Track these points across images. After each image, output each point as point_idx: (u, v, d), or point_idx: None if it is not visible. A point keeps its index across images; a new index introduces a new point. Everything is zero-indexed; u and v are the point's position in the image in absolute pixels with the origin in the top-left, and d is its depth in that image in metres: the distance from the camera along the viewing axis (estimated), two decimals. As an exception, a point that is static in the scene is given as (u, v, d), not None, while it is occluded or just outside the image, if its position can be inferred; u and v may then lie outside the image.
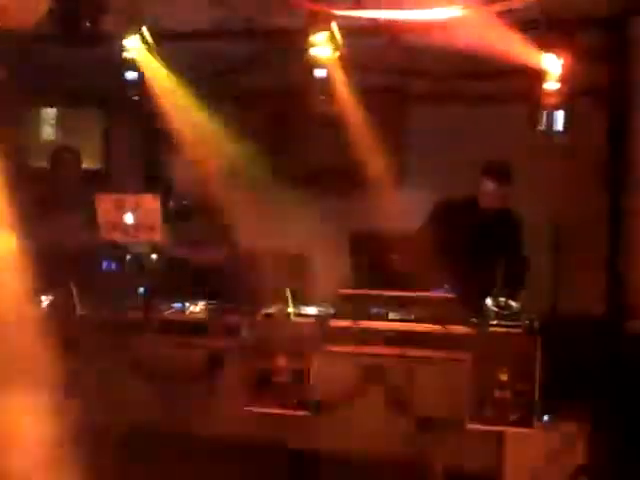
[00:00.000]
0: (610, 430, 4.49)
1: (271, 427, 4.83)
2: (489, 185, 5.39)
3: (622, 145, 5.44)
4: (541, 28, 4.86)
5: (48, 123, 7.56)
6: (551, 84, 4.96)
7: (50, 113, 7.49)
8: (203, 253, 5.67)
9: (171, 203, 5.70)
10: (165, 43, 5.63)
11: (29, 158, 7.52)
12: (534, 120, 5.01)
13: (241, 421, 4.85)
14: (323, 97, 5.18)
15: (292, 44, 5.19)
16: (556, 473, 4.41)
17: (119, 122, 6.92)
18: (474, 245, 5.16)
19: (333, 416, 4.72)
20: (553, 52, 4.97)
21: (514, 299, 4.96)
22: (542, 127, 5.01)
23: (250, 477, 5.03)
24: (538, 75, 5.00)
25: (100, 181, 6.60)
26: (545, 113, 4.96)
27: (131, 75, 5.50)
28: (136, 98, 5.53)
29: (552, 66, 4.95)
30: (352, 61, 5.28)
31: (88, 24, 5.27)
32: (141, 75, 5.55)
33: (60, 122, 7.34)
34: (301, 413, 4.73)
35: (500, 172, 5.43)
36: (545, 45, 4.92)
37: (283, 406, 4.76)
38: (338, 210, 6.17)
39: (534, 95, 5.02)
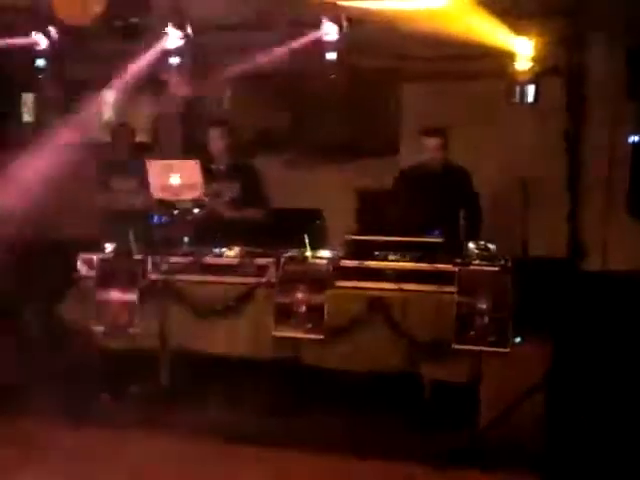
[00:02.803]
0: (568, 351, 4.46)
1: (292, 349, 4.83)
2: (428, 141, 5.35)
3: (580, 113, 5.37)
4: (513, 16, 4.80)
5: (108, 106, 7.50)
6: (523, 63, 4.89)
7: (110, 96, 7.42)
8: (240, 211, 5.63)
9: (212, 167, 5.63)
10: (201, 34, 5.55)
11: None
12: (509, 94, 4.95)
13: (267, 344, 4.85)
14: (333, 76, 5.08)
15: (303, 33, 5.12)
16: (523, 386, 4.37)
17: (166, 104, 6.85)
18: (433, 198, 5.09)
19: (342, 339, 4.71)
20: (524, 36, 4.91)
21: (474, 237, 4.96)
22: (516, 99, 4.95)
23: (273, 389, 5.04)
24: (512, 56, 4.93)
25: (150, 151, 6.54)
26: (518, 88, 4.89)
27: (174, 61, 5.42)
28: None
29: (523, 48, 4.88)
30: (354, 45, 5.18)
31: (135, 20, 5.21)
32: (183, 62, 5.47)
33: (118, 105, 7.28)
34: (316, 337, 4.72)
35: (434, 129, 5.41)
36: (517, 30, 4.87)
37: (302, 331, 4.75)
38: (347, 173, 6.10)
39: (508, 73, 4.96)
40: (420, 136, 5.44)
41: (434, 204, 5.00)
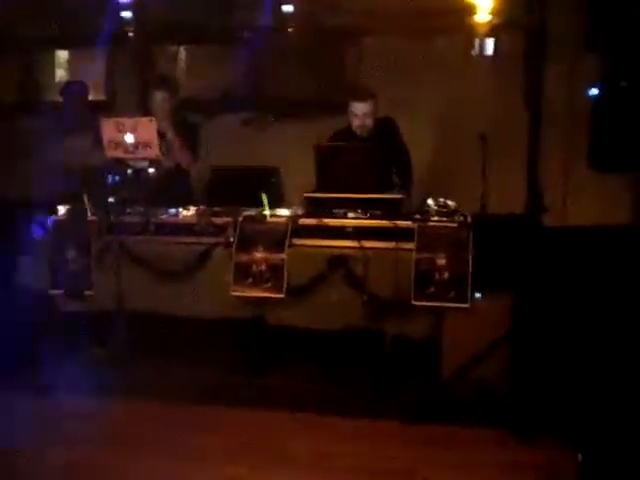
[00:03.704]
0: (528, 306, 4.45)
1: (252, 308, 4.76)
2: (356, 107, 5.25)
3: (539, 67, 5.30)
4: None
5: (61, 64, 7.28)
6: (482, 16, 4.80)
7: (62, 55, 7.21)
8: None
9: (163, 125, 5.47)
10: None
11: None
12: (468, 47, 4.86)
13: (227, 304, 4.76)
14: (291, 30, 4.94)
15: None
16: (484, 341, 4.37)
17: (120, 60, 6.66)
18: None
19: (303, 297, 4.65)
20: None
21: (408, 190, 4.98)
22: (475, 52, 4.87)
23: (236, 349, 5.00)
24: (471, 9, 4.83)
25: (104, 109, 6.36)
26: (477, 41, 4.81)
27: (127, 15, 5.22)
28: (131, 35, 5.26)
29: (483, 1, 4.78)
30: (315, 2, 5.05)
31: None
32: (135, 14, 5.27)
33: (71, 62, 7.07)
34: (276, 295, 4.65)
35: (363, 94, 5.29)
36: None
37: (262, 290, 4.68)
38: (308, 131, 5.99)
39: (468, 26, 4.87)
40: (349, 101, 5.31)
41: (364, 168, 4.91)
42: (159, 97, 5.55)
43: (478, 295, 4.51)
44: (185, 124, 5.65)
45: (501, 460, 3.91)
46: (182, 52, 6.74)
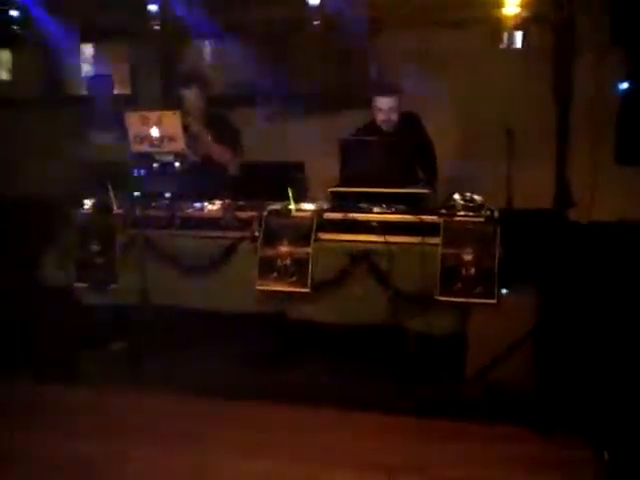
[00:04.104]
0: (555, 301, 4.41)
1: (276, 303, 4.74)
2: (380, 101, 5.20)
3: (565, 60, 5.25)
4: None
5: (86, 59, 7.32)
6: (510, 9, 4.74)
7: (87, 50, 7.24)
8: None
9: (189, 119, 5.49)
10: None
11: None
12: (496, 40, 4.80)
13: (252, 298, 4.75)
14: (317, 22, 4.90)
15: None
16: (510, 337, 4.32)
17: (145, 55, 6.67)
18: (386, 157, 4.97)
19: (327, 292, 4.62)
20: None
21: (432, 186, 4.93)
22: (503, 46, 4.81)
23: (258, 343, 5.00)
24: (499, 3, 4.78)
25: (129, 103, 6.37)
26: (506, 33, 4.75)
27: (153, 8, 5.21)
28: (157, 28, 5.25)
29: (510, -7, 4.74)
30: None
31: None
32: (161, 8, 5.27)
33: (95, 57, 7.10)
34: (301, 290, 4.63)
35: (387, 88, 5.26)
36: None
37: (287, 285, 4.66)
38: (331, 125, 5.97)
39: (495, 19, 4.81)
40: (373, 96, 5.27)
41: (389, 162, 4.87)
42: (191, 95, 5.54)
43: (505, 291, 4.47)
44: (222, 120, 5.64)
45: (522, 456, 3.88)
46: (206, 47, 6.74)
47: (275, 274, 4.69)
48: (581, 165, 5.42)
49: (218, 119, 5.65)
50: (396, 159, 4.85)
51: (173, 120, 4.96)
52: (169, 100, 6.01)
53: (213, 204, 5.11)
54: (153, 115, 4.99)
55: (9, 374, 4.77)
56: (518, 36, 4.70)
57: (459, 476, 3.73)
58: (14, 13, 5.99)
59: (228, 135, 5.61)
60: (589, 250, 4.80)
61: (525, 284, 4.63)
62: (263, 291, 4.71)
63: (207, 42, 6.71)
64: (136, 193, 5.16)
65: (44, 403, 4.54)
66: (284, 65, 6.39)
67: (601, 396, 4.14)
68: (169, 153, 5.07)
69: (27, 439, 4.07)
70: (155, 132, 4.97)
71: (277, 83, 6.47)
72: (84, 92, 6.56)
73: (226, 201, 5.13)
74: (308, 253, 4.65)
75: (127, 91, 6.79)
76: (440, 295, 4.44)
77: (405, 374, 4.69)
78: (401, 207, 4.70)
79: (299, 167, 5.59)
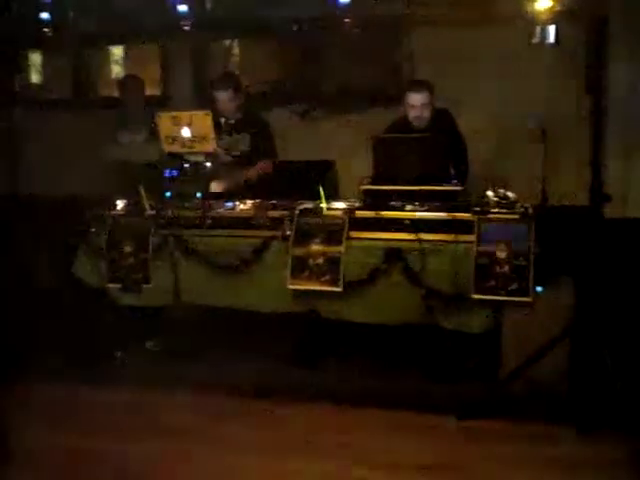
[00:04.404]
0: (591, 299, 4.35)
1: (308, 302, 4.74)
2: (412, 98, 5.16)
3: (599, 54, 5.17)
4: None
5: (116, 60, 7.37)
6: (543, 2, 4.68)
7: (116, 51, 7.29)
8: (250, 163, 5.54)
9: (222, 120, 5.51)
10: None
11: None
12: (529, 35, 4.75)
13: (284, 297, 4.75)
14: (347, 20, 4.88)
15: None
16: (545, 335, 4.28)
17: (175, 55, 6.70)
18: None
19: (360, 291, 4.60)
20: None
21: (464, 183, 4.90)
22: (537, 40, 4.75)
23: (291, 342, 5.00)
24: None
25: (160, 104, 6.41)
26: (539, 28, 4.69)
27: (182, 8, 5.23)
28: (187, 28, 5.27)
29: (545, -13, 4.68)
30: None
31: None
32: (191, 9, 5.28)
33: (126, 58, 7.15)
34: (334, 289, 4.62)
35: (419, 84, 5.23)
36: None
37: (319, 283, 4.66)
38: (362, 123, 5.95)
39: (528, 14, 4.76)
40: (405, 92, 5.23)
41: (421, 159, 4.83)
42: (224, 96, 5.54)
43: (539, 288, 4.42)
44: (258, 121, 5.64)
45: (558, 456, 3.84)
46: (236, 46, 6.75)
47: (307, 273, 4.68)
48: (615, 162, 5.36)
49: (262, 124, 5.64)
50: (429, 156, 4.81)
51: (204, 120, 4.97)
52: (200, 100, 6.02)
53: (244, 203, 5.12)
54: (184, 115, 5.01)
55: (43, 374, 4.82)
56: (551, 31, 4.64)
57: (495, 476, 3.71)
58: (45, 15, 6.04)
59: (270, 144, 5.62)
60: (625, 247, 4.74)
61: (560, 281, 4.60)
62: (295, 290, 4.70)
63: (238, 41, 6.71)
64: (167, 194, 5.20)
65: (78, 403, 4.58)
66: (315, 63, 6.39)
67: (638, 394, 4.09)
68: (200, 153, 5.09)
69: (63, 438, 4.11)
70: (186, 132, 4.98)
71: (308, 81, 6.46)
72: (115, 94, 6.60)
73: (257, 200, 5.14)
74: (340, 252, 4.63)
75: (158, 92, 6.83)
76: (474, 293, 4.40)
77: (439, 373, 4.67)
78: (434, 205, 4.67)
79: (330, 165, 5.60)
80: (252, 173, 5.51)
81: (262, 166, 5.50)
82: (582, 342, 4.27)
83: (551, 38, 4.66)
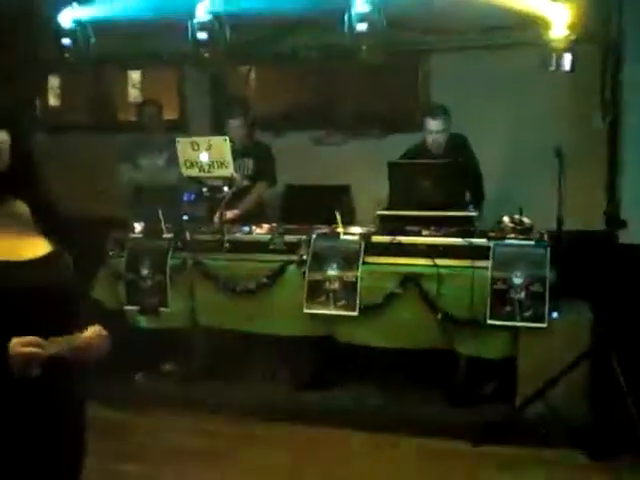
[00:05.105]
0: (609, 323, 4.38)
1: (324, 326, 4.80)
2: (430, 123, 5.23)
3: (615, 80, 5.22)
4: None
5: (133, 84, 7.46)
6: (559, 31, 4.75)
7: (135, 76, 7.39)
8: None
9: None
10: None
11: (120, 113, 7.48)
12: (545, 63, 4.81)
13: (300, 322, 4.82)
14: (365, 47, 4.96)
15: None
16: (562, 360, 4.31)
17: (193, 80, 6.80)
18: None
19: (376, 315, 4.66)
20: (561, 3, 4.78)
21: (479, 209, 5.00)
22: (553, 68, 4.81)
23: (307, 366, 5.04)
24: (547, 24, 4.80)
25: (178, 129, 6.50)
26: (555, 56, 4.76)
27: (201, 36, 5.33)
28: (207, 55, 5.37)
29: (560, 15, 4.74)
30: (385, 18, 5.05)
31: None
32: (211, 37, 5.38)
33: (143, 82, 7.25)
34: (350, 313, 4.68)
35: (436, 110, 5.30)
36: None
37: (335, 308, 4.72)
38: (378, 149, 6.02)
39: (544, 42, 4.83)
40: (424, 117, 5.31)
41: (437, 185, 4.91)
42: (235, 124, 5.66)
43: (555, 314, 4.46)
44: (266, 150, 5.75)
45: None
46: (253, 72, 6.85)
47: (323, 297, 4.74)
48: (632, 185, 5.39)
49: (263, 149, 5.77)
50: (444, 182, 4.88)
51: (222, 146, 5.06)
52: (218, 126, 6.11)
53: (261, 227, 5.20)
54: (202, 141, 5.11)
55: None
56: (567, 58, 4.71)
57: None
58: (66, 41, 6.15)
59: (269, 168, 5.73)
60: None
61: (577, 307, 4.64)
62: (311, 314, 4.77)
63: (255, 67, 6.81)
64: (185, 217, 5.28)
65: (95, 425, 4.63)
66: (331, 87, 6.48)
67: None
68: (218, 178, 5.17)
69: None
70: (204, 157, 5.08)
71: (323, 106, 6.54)
72: (133, 118, 6.69)
73: (273, 224, 5.22)
74: (356, 277, 4.70)
75: (176, 116, 6.93)
76: (490, 319, 4.45)
77: (456, 398, 4.70)
78: (450, 230, 4.73)
79: (346, 190, 5.67)
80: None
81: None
82: (599, 367, 4.30)
83: (567, 66, 4.72)
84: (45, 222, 2.13)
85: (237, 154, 5.52)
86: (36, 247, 2.06)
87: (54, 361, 1.97)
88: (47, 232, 2.12)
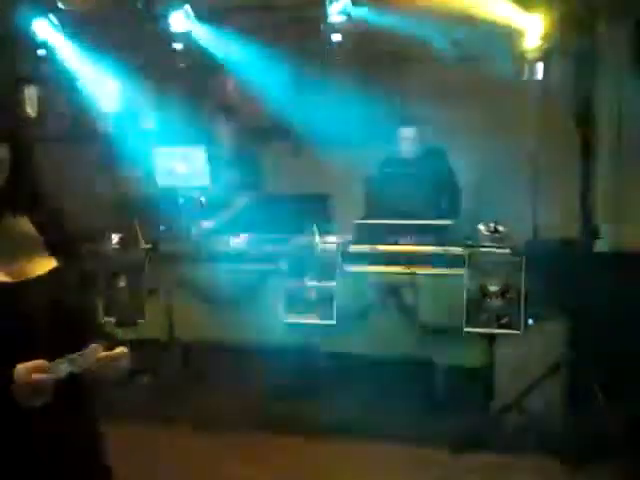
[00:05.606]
0: (583, 329, 4.43)
1: (303, 335, 4.83)
2: (403, 131, 5.33)
3: (588, 89, 5.30)
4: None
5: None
6: (533, 41, 4.84)
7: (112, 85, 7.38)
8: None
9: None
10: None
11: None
12: (518, 72, 4.89)
13: (279, 331, 4.84)
14: (339, 59, 5.02)
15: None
16: (538, 368, 4.36)
17: (170, 90, 6.81)
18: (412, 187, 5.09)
19: (353, 324, 4.70)
20: (535, 14, 4.86)
21: (456, 214, 5.08)
22: (525, 77, 4.90)
23: (285, 375, 5.05)
24: (521, 34, 4.88)
25: (155, 139, 6.50)
26: (527, 66, 4.84)
27: (177, 46, 5.37)
28: (182, 66, 5.41)
29: (533, 26, 4.83)
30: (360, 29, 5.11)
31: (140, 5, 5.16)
32: (187, 46, 5.42)
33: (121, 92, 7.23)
34: (328, 322, 4.71)
35: (410, 120, 5.45)
36: (528, 8, 4.82)
37: (313, 317, 4.75)
38: (355, 160, 6.05)
39: (517, 52, 4.91)
40: (397, 127, 5.44)
41: (414, 195, 5.00)
42: (225, 130, 5.68)
43: (531, 321, 4.52)
44: (248, 153, 5.77)
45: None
46: (233, 82, 6.86)
47: (302, 307, 4.77)
48: (606, 193, 5.46)
49: (249, 155, 5.78)
50: (420, 191, 4.94)
51: (199, 155, 5.09)
52: (195, 135, 6.13)
53: (238, 237, 5.22)
54: (179, 151, 5.13)
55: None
56: (539, 67, 4.79)
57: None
58: (42, 52, 6.16)
59: (254, 173, 5.75)
60: (615, 280, 4.82)
61: (552, 315, 4.68)
62: (291, 324, 4.79)
63: (233, 76, 6.82)
64: (162, 227, 5.28)
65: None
66: (308, 97, 6.50)
67: (631, 427, 4.15)
68: (195, 188, 5.19)
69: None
70: (181, 168, 5.10)
71: (301, 116, 6.56)
72: (109, 128, 6.70)
73: (251, 234, 5.24)
74: (333, 286, 4.73)
75: (152, 126, 6.93)
76: (466, 326, 4.50)
77: (435, 404, 4.74)
78: (426, 239, 4.78)
79: (324, 199, 5.69)
80: None
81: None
82: (574, 374, 4.35)
83: (539, 75, 4.80)
84: (50, 237, 2.02)
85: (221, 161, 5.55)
86: (38, 264, 1.96)
87: (63, 387, 1.79)
88: (52, 248, 2.01)
